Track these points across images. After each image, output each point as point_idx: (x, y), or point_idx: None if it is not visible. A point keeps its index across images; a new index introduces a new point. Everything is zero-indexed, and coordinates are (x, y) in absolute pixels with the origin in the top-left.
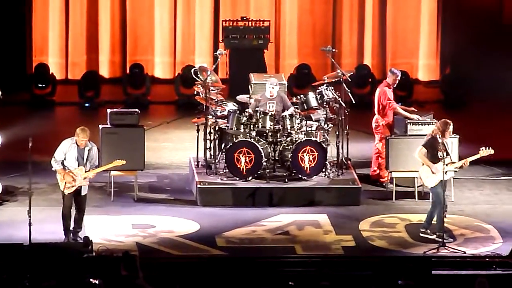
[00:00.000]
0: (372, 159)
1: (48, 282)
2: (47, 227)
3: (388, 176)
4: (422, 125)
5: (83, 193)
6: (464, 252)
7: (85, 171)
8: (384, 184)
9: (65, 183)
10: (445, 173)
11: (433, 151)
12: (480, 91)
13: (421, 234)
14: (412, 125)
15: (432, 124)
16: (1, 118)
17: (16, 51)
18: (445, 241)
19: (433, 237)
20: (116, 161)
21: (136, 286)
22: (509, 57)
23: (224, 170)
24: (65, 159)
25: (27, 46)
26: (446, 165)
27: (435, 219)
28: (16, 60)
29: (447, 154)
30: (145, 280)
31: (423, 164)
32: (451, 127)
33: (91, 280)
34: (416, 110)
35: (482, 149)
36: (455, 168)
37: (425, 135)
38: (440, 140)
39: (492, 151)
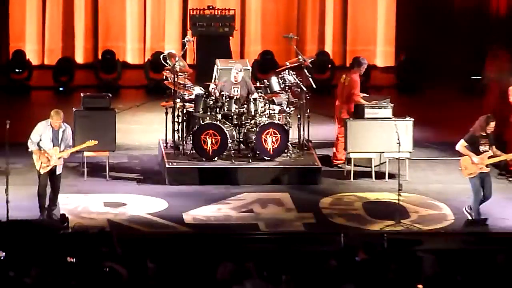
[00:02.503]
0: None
1: (31, 271)
2: (24, 204)
3: (345, 157)
4: (378, 108)
5: (57, 173)
6: (419, 229)
7: (60, 151)
8: (339, 165)
9: (41, 163)
10: (487, 166)
11: (474, 147)
12: (433, 76)
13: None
14: (369, 108)
15: (388, 108)
16: None
17: None
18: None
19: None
20: (89, 142)
21: (104, 266)
22: (460, 43)
23: (192, 151)
24: (40, 140)
25: (3, 33)
26: (489, 158)
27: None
28: None
29: (491, 146)
30: (116, 255)
31: (463, 155)
32: (492, 123)
33: (68, 258)
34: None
35: None
36: (497, 161)
37: (381, 118)
38: (483, 134)
39: None
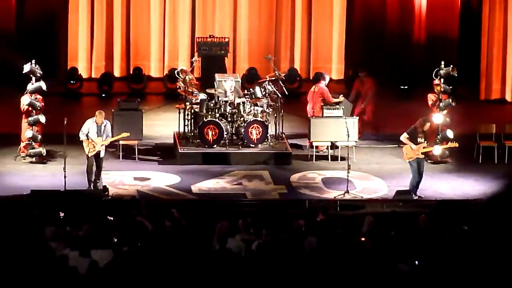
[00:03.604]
0: None
1: (82, 227)
2: (77, 178)
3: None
4: (333, 109)
5: (101, 155)
6: (362, 197)
7: (102, 140)
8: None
9: (89, 148)
10: (421, 153)
11: (413, 138)
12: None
13: (414, 197)
14: (327, 109)
15: (340, 109)
16: (46, 105)
17: (55, 58)
18: (415, 197)
19: (416, 197)
20: (123, 133)
21: (137, 222)
22: (391, 62)
23: (197, 140)
24: (88, 132)
25: (63, 55)
26: (423, 147)
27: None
28: (55, 64)
29: (425, 140)
30: (142, 216)
31: (405, 144)
32: (427, 124)
33: (108, 217)
34: (342, 97)
35: (450, 143)
36: (428, 150)
37: (335, 116)
38: (421, 130)
39: (457, 144)
